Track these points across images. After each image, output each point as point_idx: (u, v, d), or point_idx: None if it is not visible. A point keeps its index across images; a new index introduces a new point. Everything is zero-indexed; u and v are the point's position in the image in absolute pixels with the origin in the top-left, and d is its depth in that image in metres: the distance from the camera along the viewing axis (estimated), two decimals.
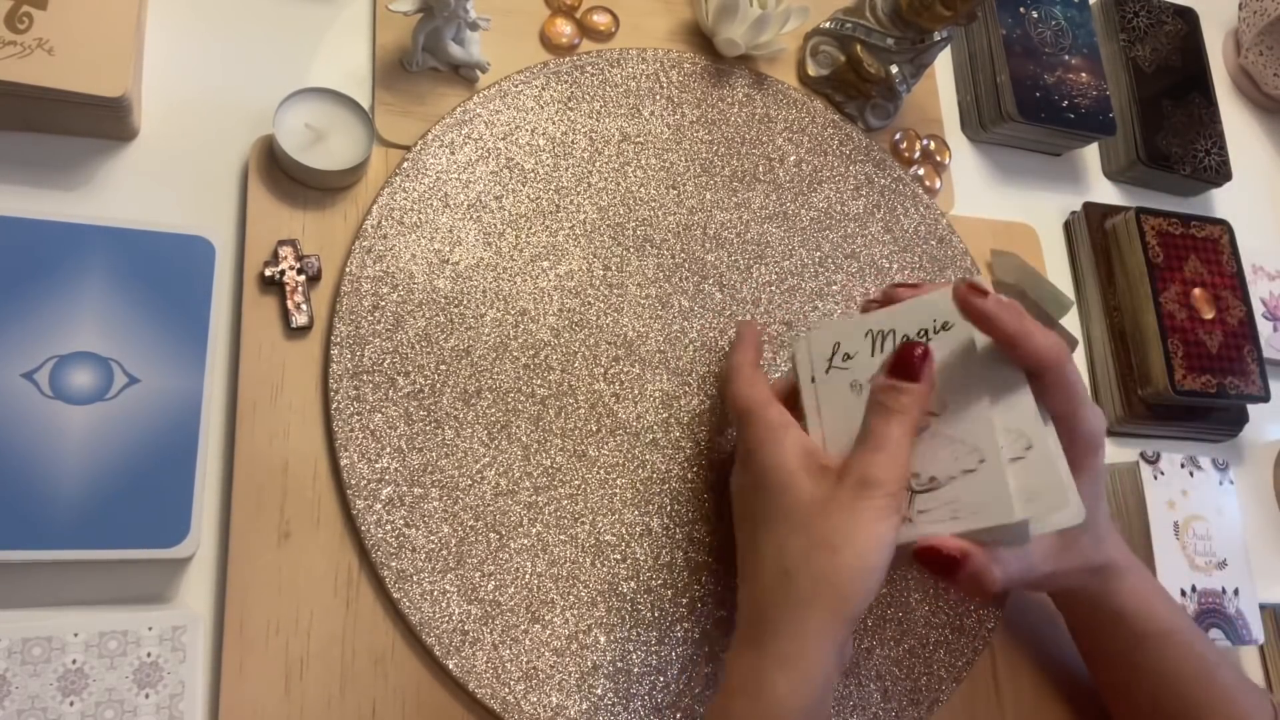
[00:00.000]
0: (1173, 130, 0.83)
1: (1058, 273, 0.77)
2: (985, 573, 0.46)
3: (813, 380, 0.52)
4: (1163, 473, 0.69)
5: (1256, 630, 0.68)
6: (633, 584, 0.56)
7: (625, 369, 0.60)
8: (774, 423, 0.50)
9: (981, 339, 0.48)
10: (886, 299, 0.53)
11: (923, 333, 0.50)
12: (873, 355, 0.50)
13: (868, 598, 0.45)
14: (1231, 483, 0.71)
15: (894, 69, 0.71)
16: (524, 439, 0.57)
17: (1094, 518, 0.51)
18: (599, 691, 0.54)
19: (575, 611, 0.55)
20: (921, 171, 0.74)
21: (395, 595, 0.52)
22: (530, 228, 0.61)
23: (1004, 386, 0.47)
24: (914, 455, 0.47)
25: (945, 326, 0.49)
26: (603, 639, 0.55)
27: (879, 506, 0.45)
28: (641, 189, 0.65)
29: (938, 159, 0.75)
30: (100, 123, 0.55)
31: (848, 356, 0.51)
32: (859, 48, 0.71)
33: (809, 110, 0.72)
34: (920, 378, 0.47)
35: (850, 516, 0.45)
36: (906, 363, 0.47)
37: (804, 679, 0.44)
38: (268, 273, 0.55)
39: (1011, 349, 0.47)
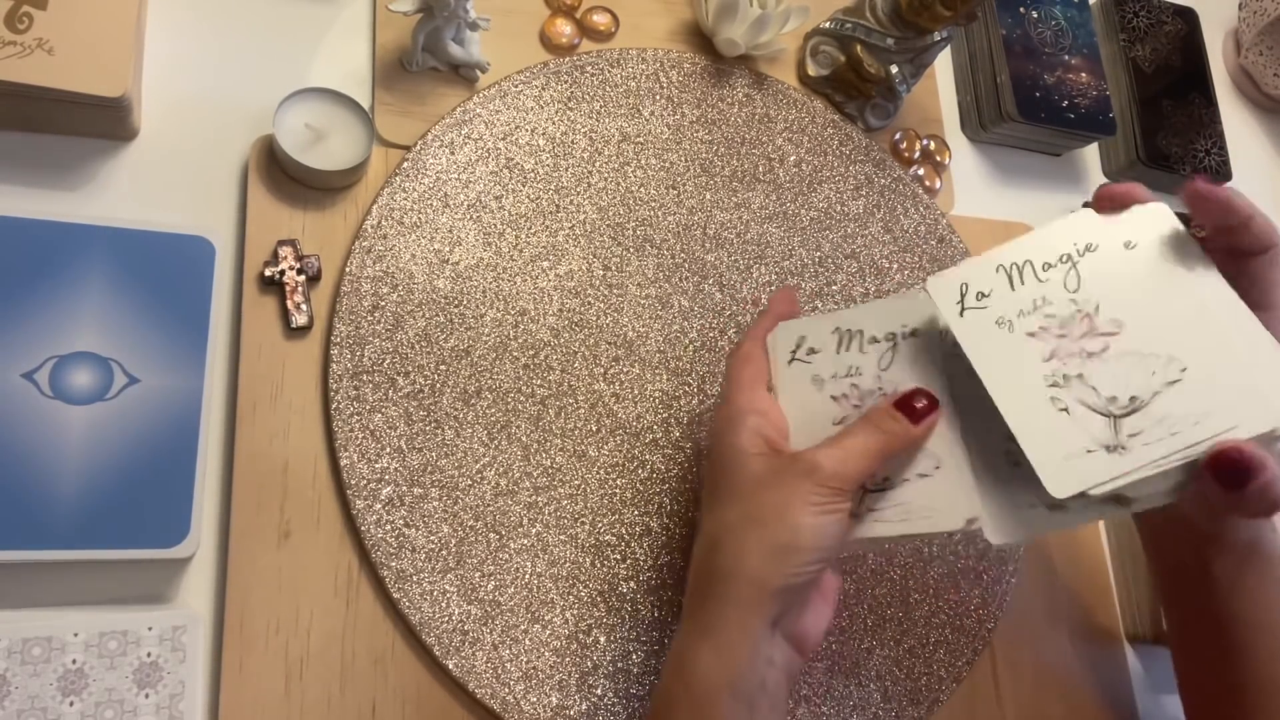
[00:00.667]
0: (1173, 130, 0.83)
1: None
2: (1274, 485, 0.42)
3: (778, 372, 0.52)
4: None
5: None
6: (633, 584, 0.56)
7: (625, 369, 0.60)
8: (743, 408, 0.50)
9: (946, 344, 0.48)
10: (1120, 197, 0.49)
11: (890, 336, 0.49)
12: (837, 353, 0.50)
13: (794, 578, 0.45)
14: None
15: (894, 69, 0.71)
16: (524, 439, 0.57)
17: None
18: (599, 691, 0.54)
19: (575, 611, 0.55)
20: (921, 171, 0.74)
21: (395, 595, 0.52)
22: (530, 228, 0.61)
23: (973, 396, 0.46)
24: (1105, 375, 0.44)
25: (913, 333, 0.49)
26: (603, 639, 0.55)
27: (819, 494, 0.45)
28: (641, 189, 0.65)
29: (938, 159, 0.75)
30: (100, 123, 0.55)
31: (812, 351, 0.51)
32: (859, 48, 0.71)
33: (809, 110, 0.72)
34: (917, 423, 0.47)
35: (788, 495, 0.45)
36: (909, 403, 0.47)
37: (728, 653, 0.44)
38: (268, 273, 0.55)
39: (1243, 233, 0.45)
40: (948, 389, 0.47)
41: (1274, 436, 0.41)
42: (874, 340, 0.49)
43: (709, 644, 0.45)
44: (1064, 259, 0.46)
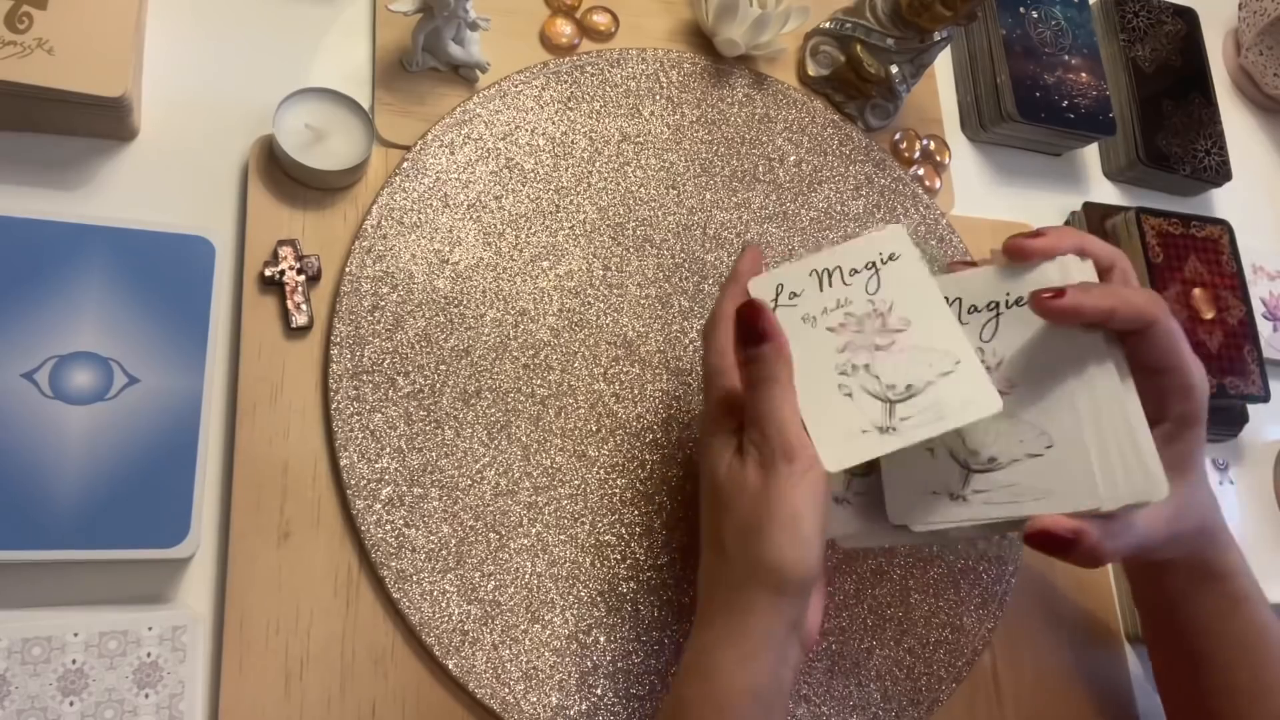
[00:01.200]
0: (1173, 130, 0.83)
1: None
2: (1098, 548, 0.45)
3: None
4: None
5: None
6: (633, 584, 0.56)
7: (625, 369, 0.60)
8: (724, 401, 0.49)
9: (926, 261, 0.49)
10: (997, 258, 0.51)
11: (870, 265, 0.50)
12: (820, 290, 0.50)
13: (805, 570, 0.44)
14: (1232, 483, 0.71)
15: (894, 69, 0.71)
16: (524, 439, 0.57)
17: (1203, 474, 0.51)
18: (599, 691, 0.54)
19: (575, 611, 0.55)
20: (921, 171, 0.74)
21: (395, 595, 0.52)
22: (530, 228, 0.61)
23: (1088, 367, 0.47)
24: (885, 369, 0.48)
25: (893, 257, 0.50)
26: (603, 639, 0.55)
27: (784, 476, 0.45)
28: (641, 189, 0.65)
29: (938, 159, 0.75)
30: (100, 123, 0.55)
31: (794, 295, 0.51)
32: (859, 48, 0.71)
33: (809, 110, 0.72)
34: (767, 336, 0.47)
35: (764, 495, 0.45)
36: (749, 325, 0.47)
37: (750, 657, 0.44)
38: (268, 273, 0.55)
39: (1111, 323, 0.46)
40: (939, 296, 0.49)
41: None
42: (854, 271, 0.50)
43: (733, 652, 0.45)
44: (869, 265, 0.50)
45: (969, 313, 0.50)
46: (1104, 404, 0.46)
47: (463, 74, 0.64)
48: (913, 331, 0.48)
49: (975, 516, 0.47)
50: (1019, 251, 0.49)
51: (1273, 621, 0.54)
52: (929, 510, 0.48)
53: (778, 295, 0.51)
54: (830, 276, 0.51)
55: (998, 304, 0.50)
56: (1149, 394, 0.47)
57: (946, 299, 0.50)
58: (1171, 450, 0.47)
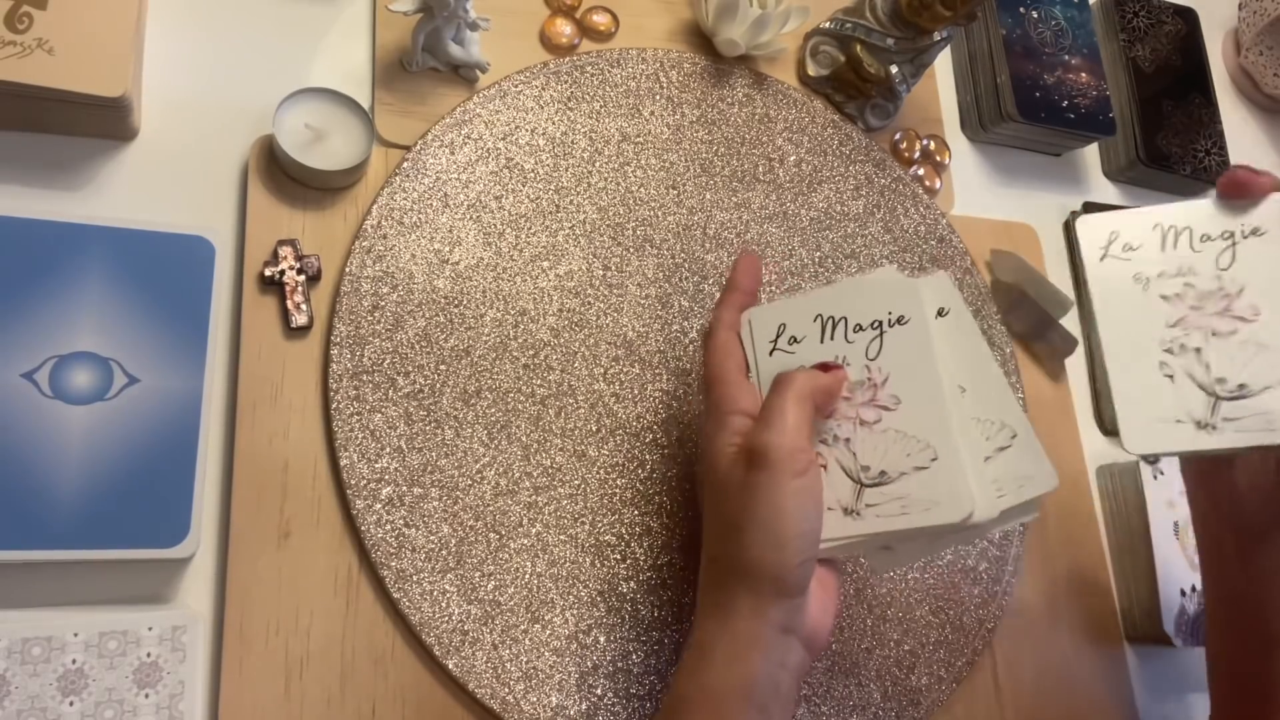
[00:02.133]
0: (1173, 130, 0.83)
1: (1057, 273, 0.77)
2: None
3: (757, 362, 0.51)
4: (1162, 472, 0.69)
5: None
6: (633, 584, 0.56)
7: (625, 369, 0.60)
8: (727, 411, 0.49)
9: (938, 332, 0.47)
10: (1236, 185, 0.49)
11: (876, 324, 0.48)
12: (821, 342, 0.49)
13: (790, 570, 0.44)
14: None
15: (894, 69, 0.71)
16: (524, 439, 0.57)
17: None
18: (599, 691, 0.54)
19: (575, 611, 0.55)
20: (921, 171, 0.74)
21: (395, 595, 0.52)
22: (530, 228, 0.61)
23: (976, 377, 0.47)
24: (864, 449, 0.47)
25: (901, 320, 0.48)
26: (603, 639, 0.55)
27: (772, 476, 0.45)
28: (641, 189, 0.65)
29: (938, 159, 0.75)
30: (100, 123, 0.55)
31: (794, 340, 0.50)
32: (859, 48, 0.71)
33: (809, 110, 0.72)
34: (827, 370, 0.48)
35: (750, 495, 0.45)
36: (823, 367, 0.48)
37: (741, 654, 0.44)
38: (268, 273, 0.55)
39: None
40: (939, 376, 0.47)
41: (965, 528, 0.45)
42: (859, 328, 0.49)
43: (724, 650, 0.45)
44: (875, 325, 0.48)
45: (855, 331, 0.49)
46: (982, 411, 0.46)
47: (463, 74, 0.64)
48: (901, 414, 0.47)
49: (866, 530, 0.46)
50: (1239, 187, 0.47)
51: None
52: (827, 527, 0.47)
53: (777, 337, 0.50)
54: (834, 328, 0.49)
55: (881, 323, 0.48)
56: None
57: (829, 317, 0.49)
58: None
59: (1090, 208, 0.79)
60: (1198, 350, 0.45)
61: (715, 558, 0.47)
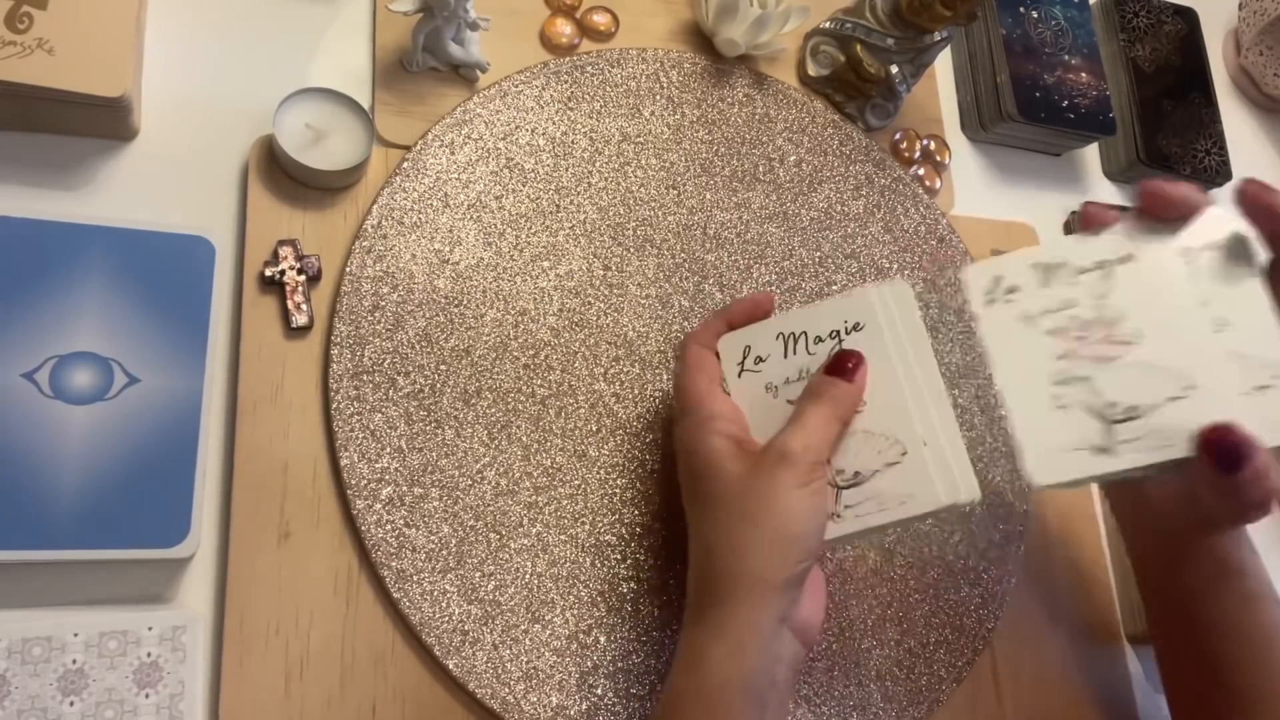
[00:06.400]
0: (1173, 130, 0.83)
1: None
2: (1269, 473, 0.45)
3: (728, 386, 0.53)
4: None
5: None
6: (633, 584, 0.56)
7: (625, 369, 0.60)
8: (706, 414, 0.50)
9: (893, 336, 0.49)
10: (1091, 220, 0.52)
11: (834, 334, 0.50)
12: (785, 357, 0.51)
13: (792, 566, 0.46)
14: None
15: (894, 69, 0.71)
16: (524, 439, 0.57)
17: None
18: (599, 691, 0.54)
19: (575, 611, 0.55)
20: (921, 171, 0.74)
21: (395, 595, 0.52)
22: (530, 228, 0.61)
23: (926, 376, 0.48)
24: (837, 452, 0.48)
25: (856, 327, 0.50)
26: (603, 639, 0.55)
27: (794, 476, 0.46)
28: (641, 189, 0.65)
29: (938, 159, 0.75)
30: (100, 123, 0.55)
31: (759, 359, 0.51)
32: (859, 48, 0.71)
33: (809, 110, 0.72)
34: (852, 380, 0.49)
35: (767, 489, 0.46)
36: (840, 366, 0.49)
37: (738, 649, 0.45)
38: (268, 273, 0.55)
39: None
40: (897, 370, 0.49)
41: (945, 513, 0.47)
42: (819, 340, 0.50)
43: (721, 644, 0.45)
44: (833, 334, 0.50)
45: (815, 343, 0.50)
46: (930, 408, 0.47)
47: (463, 74, 0.63)
48: (866, 414, 0.49)
49: (848, 530, 0.48)
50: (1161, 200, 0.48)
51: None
52: (1079, 467, 0.47)
53: (744, 358, 0.52)
54: (795, 343, 0.51)
55: (838, 331, 0.50)
56: None
57: (790, 334, 0.51)
58: None
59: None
60: (1087, 379, 0.47)
61: (711, 552, 0.47)
